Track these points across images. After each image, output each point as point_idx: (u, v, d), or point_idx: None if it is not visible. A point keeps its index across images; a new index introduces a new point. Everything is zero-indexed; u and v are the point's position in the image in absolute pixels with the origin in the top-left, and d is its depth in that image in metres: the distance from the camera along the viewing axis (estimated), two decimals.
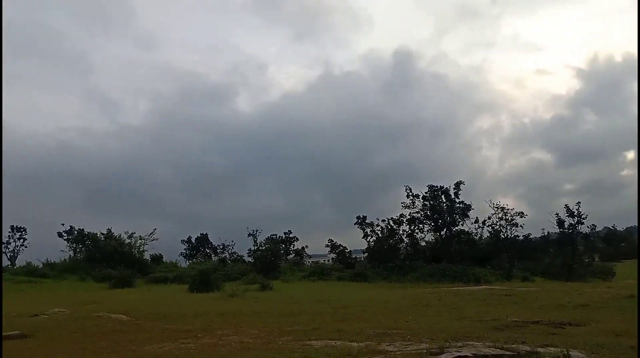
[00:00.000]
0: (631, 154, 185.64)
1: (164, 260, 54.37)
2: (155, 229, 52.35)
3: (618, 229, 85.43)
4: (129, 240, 50.70)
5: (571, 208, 43.66)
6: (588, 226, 46.44)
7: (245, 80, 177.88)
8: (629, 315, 14.57)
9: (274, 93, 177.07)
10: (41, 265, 44.88)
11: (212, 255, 61.79)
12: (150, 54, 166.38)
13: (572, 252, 43.45)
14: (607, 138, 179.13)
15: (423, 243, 47.50)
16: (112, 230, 51.36)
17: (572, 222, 43.73)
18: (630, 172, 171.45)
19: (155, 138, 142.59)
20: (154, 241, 51.62)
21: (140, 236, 51.20)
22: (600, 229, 77.00)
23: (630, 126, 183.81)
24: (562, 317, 14.20)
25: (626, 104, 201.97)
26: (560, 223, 43.99)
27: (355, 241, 50.14)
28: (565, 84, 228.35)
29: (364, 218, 47.47)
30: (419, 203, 46.74)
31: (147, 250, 51.99)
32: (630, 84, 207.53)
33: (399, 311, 17.15)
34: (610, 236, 78.58)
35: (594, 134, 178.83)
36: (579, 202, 43.69)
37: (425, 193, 46.90)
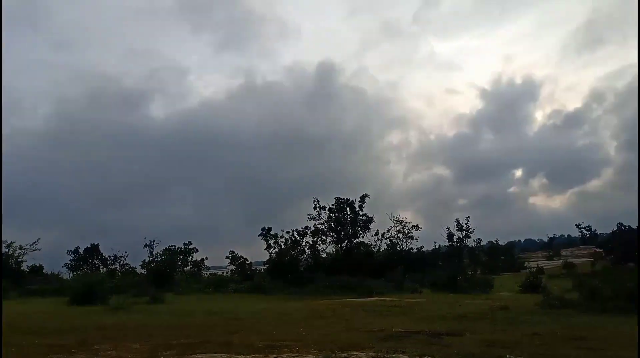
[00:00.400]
0: (519, 172, 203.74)
1: (44, 271, 50.50)
2: (39, 238, 48.53)
3: (500, 243, 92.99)
4: (6, 250, 46.42)
5: (461, 223, 46.69)
6: (474, 240, 49.92)
7: (162, 86, 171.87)
8: (501, 326, 15.75)
9: (192, 101, 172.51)
10: None
11: (101, 267, 58.20)
12: (61, 55, 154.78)
13: (458, 265, 46.32)
14: (500, 156, 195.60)
15: (324, 255, 48.21)
16: None
17: (461, 236, 46.71)
18: (516, 189, 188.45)
19: (55, 143, 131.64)
20: (35, 251, 47.81)
21: (20, 245, 47.18)
22: (485, 243, 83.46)
23: (521, 145, 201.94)
24: (442, 327, 14.98)
25: (520, 124, 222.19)
26: (450, 236, 46.84)
27: (260, 253, 50.11)
28: (469, 103, 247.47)
29: (269, 229, 47.39)
30: (324, 215, 47.54)
31: (26, 261, 48.12)
32: (526, 105, 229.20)
33: (292, 323, 17.22)
34: (493, 250, 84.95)
35: (490, 152, 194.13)
36: (468, 217, 46.96)
37: (332, 205, 47.76)
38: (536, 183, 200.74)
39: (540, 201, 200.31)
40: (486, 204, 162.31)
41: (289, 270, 44.41)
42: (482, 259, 77.67)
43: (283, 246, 46.43)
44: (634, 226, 62.12)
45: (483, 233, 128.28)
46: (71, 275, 54.28)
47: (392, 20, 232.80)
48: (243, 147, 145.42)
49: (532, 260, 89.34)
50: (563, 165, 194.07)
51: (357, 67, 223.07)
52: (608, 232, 70.63)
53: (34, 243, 47.51)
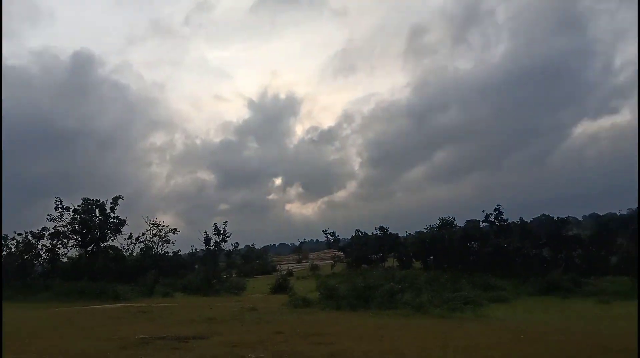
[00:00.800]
0: (279, 181, 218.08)
1: None
2: None
3: (257, 247, 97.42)
4: None
5: (219, 227, 47.08)
6: (232, 244, 50.74)
7: None
8: (247, 327, 16.15)
9: None
10: None
11: None
12: None
13: (213, 268, 46.60)
14: (262, 164, 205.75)
15: (65, 259, 43.42)
16: None
17: (218, 240, 47.12)
18: (275, 196, 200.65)
19: None
20: None
21: None
22: (243, 247, 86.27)
23: (282, 156, 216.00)
24: (190, 331, 14.65)
25: (282, 136, 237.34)
26: (207, 240, 46.80)
27: None
28: (237, 112, 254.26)
29: None
30: (68, 216, 43.08)
31: None
32: (288, 119, 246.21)
33: (14, 337, 14.50)
34: (249, 253, 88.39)
35: (253, 160, 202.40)
36: (226, 221, 47.62)
37: (78, 205, 43.66)
38: (293, 191, 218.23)
39: (295, 209, 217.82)
40: (247, 209, 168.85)
41: (19, 275, 38.51)
42: (238, 262, 80.00)
43: (13, 250, 40.11)
44: (369, 232, 71.30)
45: (242, 237, 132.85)
46: None
47: (163, 18, 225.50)
48: None
49: (284, 263, 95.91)
50: (317, 176, 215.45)
51: (121, 62, 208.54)
52: (348, 238, 79.70)
53: None
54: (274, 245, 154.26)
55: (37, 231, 41.42)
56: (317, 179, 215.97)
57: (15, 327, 16.62)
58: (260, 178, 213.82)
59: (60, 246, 42.53)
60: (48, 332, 15.65)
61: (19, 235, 40.79)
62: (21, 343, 12.71)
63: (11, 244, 40.50)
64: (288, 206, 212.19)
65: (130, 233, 44.85)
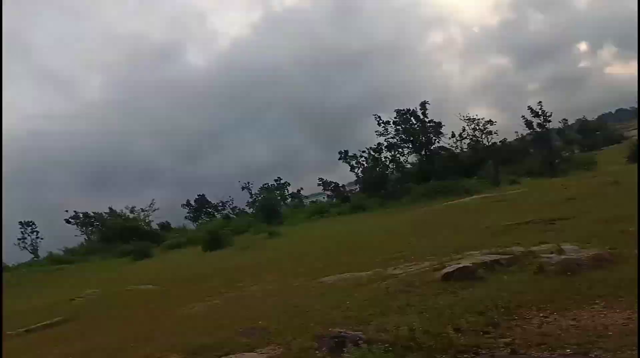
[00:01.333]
0: (583, 46, 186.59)
1: (172, 226, 55.84)
2: (153, 199, 54.05)
3: (589, 119, 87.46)
4: (132, 214, 52.18)
5: (535, 109, 44.62)
6: (560, 122, 47.27)
7: (189, 33, 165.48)
8: (615, 202, 14.74)
9: (223, 42, 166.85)
10: (62, 253, 45.83)
11: (215, 213, 62.75)
12: (84, 22, 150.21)
13: (550, 149, 44.58)
14: (556, 33, 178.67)
15: (408, 166, 48.13)
16: (113, 207, 53.26)
17: (540, 121, 44.75)
18: (587, 63, 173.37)
19: (120, 109, 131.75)
20: (155, 211, 53.54)
21: (142, 208, 52.78)
22: (573, 122, 78.93)
23: (576, 17, 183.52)
24: (552, 214, 14.56)
25: None
26: (529, 124, 44.96)
27: (344, 175, 51.48)
28: None
29: (346, 152, 48.14)
30: (391, 129, 46.92)
31: (152, 220, 53.99)
32: None
33: (400, 235, 17.47)
34: (584, 127, 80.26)
35: (543, 32, 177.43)
36: (540, 101, 44.72)
37: (395, 118, 46.89)
38: (605, 53, 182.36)
39: (618, 70, 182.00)
40: (559, 83, 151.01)
41: (380, 185, 45.17)
42: (575, 138, 73.89)
43: (366, 165, 47.05)
44: None
45: (566, 113, 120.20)
46: (195, 225, 58.68)
47: None
48: (289, 77, 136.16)
49: (632, 128, 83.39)
50: (625, 30, 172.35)
51: None
52: None
53: (150, 204, 53.28)
54: (610, 112, 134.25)
55: (375, 147, 46.82)
56: (628, 33, 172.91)
57: (398, 229, 20.02)
58: (559, 49, 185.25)
59: (399, 155, 47.19)
60: (424, 229, 18.08)
61: (363, 152, 47.17)
62: (407, 241, 15.10)
63: (362, 161, 47.33)
64: (608, 69, 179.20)
65: (452, 132, 46.20)
